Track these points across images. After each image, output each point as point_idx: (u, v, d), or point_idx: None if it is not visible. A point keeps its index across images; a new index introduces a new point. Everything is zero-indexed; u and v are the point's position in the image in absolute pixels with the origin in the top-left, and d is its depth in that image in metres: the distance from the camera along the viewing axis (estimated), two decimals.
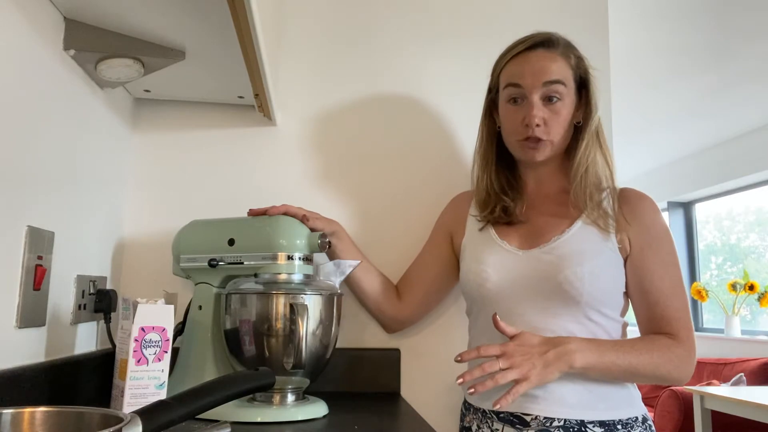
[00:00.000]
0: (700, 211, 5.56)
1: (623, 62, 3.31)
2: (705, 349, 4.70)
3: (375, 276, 1.30)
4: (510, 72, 1.14)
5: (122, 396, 0.95)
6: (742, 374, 3.82)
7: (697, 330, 5.26)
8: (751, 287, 4.50)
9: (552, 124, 1.12)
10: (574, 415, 1.04)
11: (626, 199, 1.14)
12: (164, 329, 0.97)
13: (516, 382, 0.97)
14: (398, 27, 1.50)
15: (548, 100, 1.11)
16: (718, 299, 4.84)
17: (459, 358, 1.00)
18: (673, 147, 5.13)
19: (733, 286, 4.62)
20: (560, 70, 1.12)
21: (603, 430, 1.04)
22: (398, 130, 1.46)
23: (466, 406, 1.19)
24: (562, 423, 1.04)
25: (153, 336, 0.97)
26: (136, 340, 0.95)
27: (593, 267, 1.07)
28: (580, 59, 1.16)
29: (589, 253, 1.08)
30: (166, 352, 0.98)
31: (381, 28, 1.50)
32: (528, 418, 1.06)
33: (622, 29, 2.91)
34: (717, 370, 4.20)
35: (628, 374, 1.04)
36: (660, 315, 1.08)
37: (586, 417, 1.04)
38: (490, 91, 1.22)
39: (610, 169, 1.15)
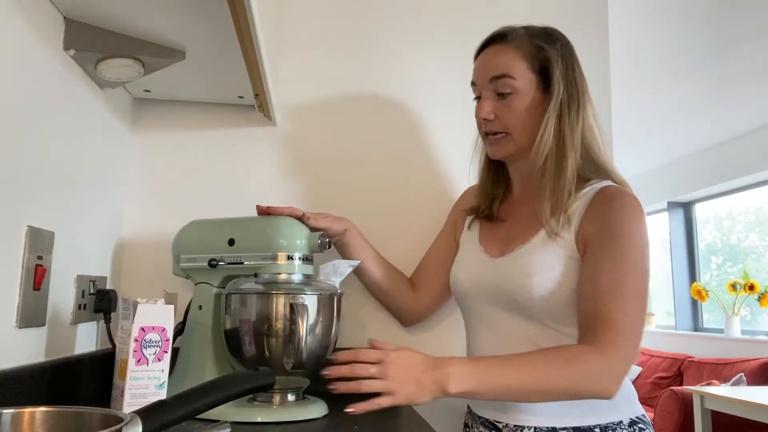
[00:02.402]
0: (700, 211, 5.56)
1: (623, 62, 3.31)
2: (705, 349, 4.70)
3: (388, 270, 1.31)
4: (473, 72, 1.16)
5: (122, 396, 0.95)
6: (742, 374, 3.82)
7: (696, 330, 5.27)
8: (751, 287, 4.50)
9: (504, 117, 1.09)
10: (544, 422, 1.02)
11: (598, 199, 1.05)
12: (164, 329, 0.97)
13: (381, 393, 0.90)
14: (398, 28, 1.50)
15: (500, 95, 1.09)
16: (718, 299, 4.84)
17: (333, 357, 0.94)
18: (673, 147, 5.13)
19: (733, 286, 4.62)
20: (506, 63, 1.08)
21: None
22: (398, 129, 1.46)
23: (468, 408, 1.20)
24: (531, 431, 1.03)
25: (153, 336, 0.97)
26: (136, 340, 0.95)
27: (544, 280, 1.02)
28: (540, 48, 1.08)
29: (544, 265, 1.03)
30: (166, 352, 0.98)
31: (381, 29, 1.50)
32: (500, 425, 1.07)
33: (622, 30, 2.91)
34: (717, 370, 4.20)
35: (526, 393, 0.94)
36: (591, 315, 0.97)
37: (558, 424, 1.02)
38: None
39: (570, 167, 1.05)
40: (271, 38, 1.19)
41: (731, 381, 3.78)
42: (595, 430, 1.01)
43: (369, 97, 1.47)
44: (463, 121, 1.46)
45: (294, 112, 1.46)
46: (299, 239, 1.15)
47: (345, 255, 1.28)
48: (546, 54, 1.08)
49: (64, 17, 1.03)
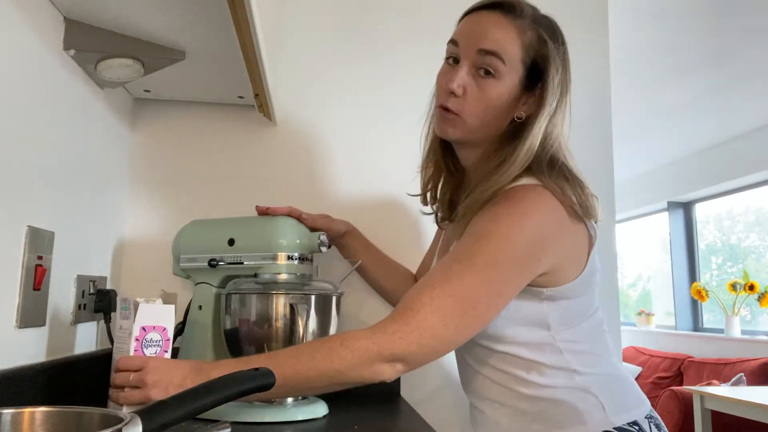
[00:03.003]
0: (700, 211, 5.56)
1: (623, 62, 3.31)
2: (705, 349, 4.70)
3: (393, 270, 1.29)
4: (457, 28, 1.01)
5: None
6: (742, 374, 3.82)
7: (696, 330, 5.27)
8: (751, 287, 4.50)
9: (471, 100, 0.94)
10: None
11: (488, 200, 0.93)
12: (165, 329, 0.97)
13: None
14: (398, 27, 1.50)
15: (483, 72, 0.94)
16: (718, 299, 4.83)
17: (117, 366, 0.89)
18: (673, 147, 5.13)
19: (733, 286, 4.62)
20: (505, 42, 0.93)
21: None
22: (399, 128, 1.46)
23: None
24: None
25: (154, 335, 0.97)
26: (137, 340, 0.95)
27: None
28: (543, 41, 0.95)
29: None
30: (167, 351, 0.98)
31: (381, 28, 1.50)
32: None
33: (622, 29, 2.91)
34: (717, 370, 4.20)
35: (292, 386, 0.87)
36: (401, 303, 0.88)
37: None
38: None
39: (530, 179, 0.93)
40: (271, 38, 1.19)
41: (731, 381, 3.78)
42: None
43: (370, 96, 1.47)
44: None
45: (294, 112, 1.46)
46: (299, 239, 1.15)
47: (346, 256, 1.28)
48: (547, 51, 0.95)
49: (64, 17, 1.03)
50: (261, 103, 1.31)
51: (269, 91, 1.22)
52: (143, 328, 0.96)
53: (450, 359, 1.35)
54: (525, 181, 0.93)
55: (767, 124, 4.48)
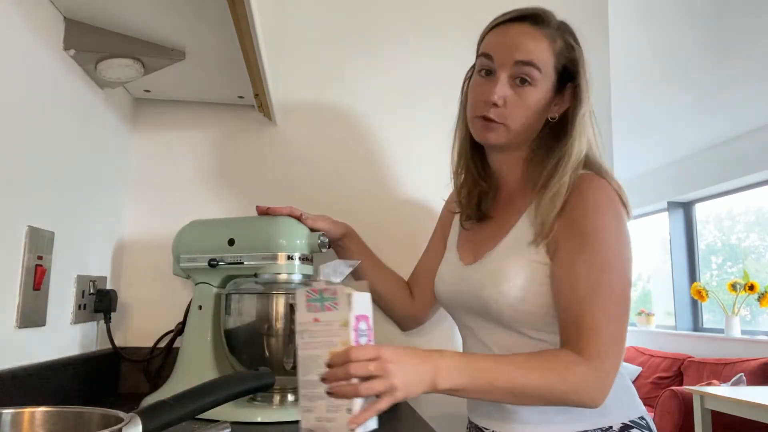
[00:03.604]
0: (700, 211, 5.56)
1: (623, 62, 3.31)
2: (705, 349, 4.70)
3: (387, 275, 1.30)
4: (487, 42, 1.05)
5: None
6: (742, 374, 3.82)
7: (696, 330, 5.27)
8: (751, 287, 4.50)
9: (513, 108, 1.00)
10: (529, 429, 0.99)
11: (569, 191, 0.99)
12: (368, 317, 0.90)
13: (380, 395, 0.81)
14: (399, 27, 1.50)
15: (519, 81, 1.00)
16: (718, 299, 4.84)
17: (329, 363, 0.84)
18: (673, 147, 5.13)
19: (733, 286, 4.62)
20: (539, 51, 1.00)
21: None
22: (399, 129, 1.46)
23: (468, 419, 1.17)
24: None
25: (362, 325, 0.88)
26: (354, 330, 0.86)
27: (510, 288, 0.98)
28: (569, 47, 1.03)
29: (509, 272, 0.99)
30: (371, 341, 0.90)
31: (381, 28, 1.50)
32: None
33: (622, 29, 2.91)
34: (717, 370, 4.20)
35: (515, 396, 0.89)
36: (573, 323, 0.92)
37: (544, 431, 0.98)
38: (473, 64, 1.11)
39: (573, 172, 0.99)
40: (271, 38, 1.19)
41: (731, 381, 3.78)
42: None
43: (370, 96, 1.47)
44: None
45: (294, 112, 1.45)
46: (299, 239, 1.15)
47: (342, 257, 1.28)
48: (575, 55, 1.03)
49: (64, 17, 1.03)
50: (261, 103, 1.31)
51: (269, 91, 1.22)
52: (357, 318, 0.88)
53: None
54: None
55: (767, 124, 4.49)
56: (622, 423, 0.98)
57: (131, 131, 1.41)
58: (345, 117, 1.46)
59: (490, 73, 1.03)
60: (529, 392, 0.88)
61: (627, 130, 4.45)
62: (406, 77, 1.48)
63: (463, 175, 1.14)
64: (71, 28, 1.04)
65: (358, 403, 0.82)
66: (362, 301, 0.89)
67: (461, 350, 1.17)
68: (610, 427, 0.97)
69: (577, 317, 0.92)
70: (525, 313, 0.98)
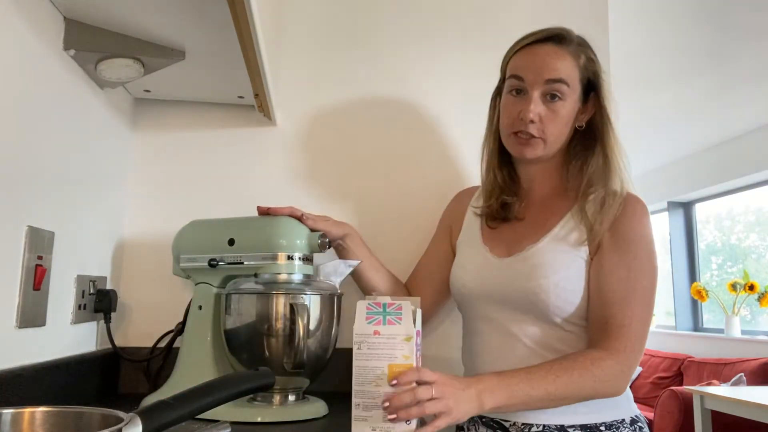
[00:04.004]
0: (700, 211, 5.56)
1: (623, 62, 3.31)
2: (705, 349, 4.70)
3: (385, 276, 1.29)
4: (515, 63, 1.13)
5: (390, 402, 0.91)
6: (742, 374, 3.82)
7: (696, 330, 5.28)
8: (751, 287, 4.50)
9: (548, 123, 1.09)
10: (554, 420, 1.03)
11: (609, 203, 1.10)
12: (420, 332, 0.96)
13: (437, 415, 0.90)
14: (398, 27, 1.50)
15: (549, 97, 1.09)
16: (718, 299, 4.84)
17: (395, 382, 0.91)
18: (673, 147, 5.13)
19: (733, 286, 4.62)
20: (566, 68, 1.09)
21: None
22: (398, 129, 1.46)
23: None
24: (540, 429, 1.03)
25: (419, 339, 0.95)
26: (417, 345, 0.93)
27: (559, 279, 1.05)
28: (591, 60, 1.13)
29: (557, 265, 1.06)
30: (420, 352, 0.96)
31: (381, 28, 1.50)
32: (507, 424, 1.07)
33: (622, 29, 2.91)
34: (717, 370, 4.20)
35: (551, 401, 0.98)
36: (605, 319, 1.02)
37: (566, 422, 1.03)
38: (498, 82, 1.20)
39: (618, 178, 1.12)
40: (271, 38, 1.19)
41: (731, 381, 3.78)
42: (601, 428, 1.03)
43: (369, 96, 1.47)
44: (464, 121, 1.46)
45: (294, 112, 1.45)
46: (299, 239, 1.15)
47: (343, 257, 1.27)
48: (595, 68, 1.12)
49: (64, 17, 1.03)
50: (261, 103, 1.31)
51: (269, 91, 1.22)
52: (417, 333, 0.94)
53: (449, 359, 1.35)
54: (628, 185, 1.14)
55: (767, 124, 4.49)
56: (631, 417, 1.07)
57: (131, 131, 1.41)
58: (345, 117, 1.46)
59: (520, 92, 1.11)
60: (564, 395, 0.97)
61: (627, 130, 4.44)
62: (407, 76, 1.48)
63: (491, 186, 1.21)
64: (71, 28, 1.04)
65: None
66: (420, 317, 0.96)
67: (467, 345, 1.19)
68: (624, 420, 1.06)
69: (610, 314, 1.02)
70: (568, 303, 1.05)
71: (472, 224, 1.22)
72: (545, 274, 1.05)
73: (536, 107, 1.08)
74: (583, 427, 1.03)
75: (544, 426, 1.03)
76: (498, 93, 1.19)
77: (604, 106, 1.12)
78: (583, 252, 1.07)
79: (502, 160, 1.20)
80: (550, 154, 1.13)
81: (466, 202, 1.27)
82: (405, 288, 1.32)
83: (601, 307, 1.04)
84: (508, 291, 1.09)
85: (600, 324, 1.03)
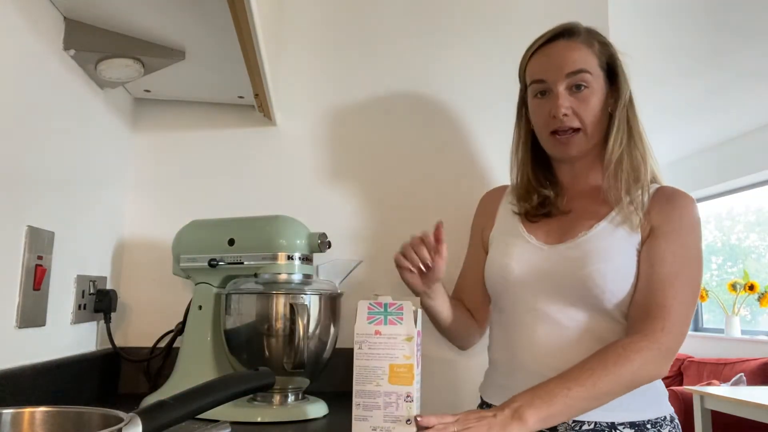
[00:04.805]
0: (700, 211, 5.55)
1: (623, 62, 3.30)
2: (705, 349, 4.70)
3: (461, 311, 1.23)
4: (533, 69, 1.13)
5: (403, 401, 0.92)
6: (742, 374, 3.82)
7: (696, 330, 5.27)
8: (751, 287, 4.50)
9: (581, 112, 1.09)
10: (605, 417, 1.01)
11: (660, 195, 1.10)
12: (420, 332, 0.95)
13: None
14: (398, 26, 1.50)
15: (575, 88, 1.09)
16: (718, 299, 4.84)
17: (419, 419, 0.90)
18: (673, 147, 5.13)
19: (733, 286, 4.62)
20: (583, 58, 1.10)
21: (633, 431, 1.02)
22: (398, 129, 1.46)
23: (488, 406, 1.13)
24: (592, 426, 1.02)
25: (419, 340, 0.94)
26: (417, 345, 0.92)
27: (617, 265, 1.04)
28: (604, 45, 1.14)
29: (614, 251, 1.05)
30: (420, 353, 0.95)
31: (381, 27, 1.50)
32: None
33: (622, 29, 2.91)
34: (717, 370, 4.20)
35: (594, 399, 0.96)
36: (647, 302, 1.02)
37: (617, 419, 1.01)
38: (520, 92, 1.19)
39: (644, 161, 1.10)
40: (271, 38, 1.19)
41: (731, 381, 3.78)
42: (647, 425, 1.03)
43: (369, 96, 1.47)
44: (463, 121, 1.46)
45: (294, 112, 1.45)
46: (299, 239, 1.15)
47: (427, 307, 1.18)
48: (611, 51, 1.15)
49: (64, 17, 1.03)
50: (261, 103, 1.31)
51: (269, 91, 1.22)
52: (418, 333, 0.93)
53: (449, 359, 1.35)
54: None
55: (767, 124, 4.49)
56: (670, 415, 1.07)
57: (131, 131, 1.41)
58: (345, 117, 1.46)
59: (545, 93, 1.11)
60: (605, 389, 0.95)
61: None
62: (407, 76, 1.48)
63: (526, 189, 1.19)
64: (71, 28, 1.04)
65: (415, 411, 0.90)
66: (421, 317, 0.95)
67: (505, 340, 1.14)
68: (665, 417, 1.05)
69: (650, 296, 1.01)
70: (621, 291, 1.04)
71: (508, 218, 1.19)
72: (603, 259, 1.04)
73: (564, 101, 1.08)
74: (632, 424, 1.02)
75: (595, 423, 1.01)
76: (523, 103, 1.19)
77: (621, 87, 1.14)
78: (635, 240, 1.06)
79: (537, 164, 1.19)
80: (591, 145, 1.12)
81: (497, 200, 1.24)
82: (469, 312, 1.25)
83: (642, 288, 1.03)
84: (561, 278, 1.06)
85: (641, 308, 1.02)
